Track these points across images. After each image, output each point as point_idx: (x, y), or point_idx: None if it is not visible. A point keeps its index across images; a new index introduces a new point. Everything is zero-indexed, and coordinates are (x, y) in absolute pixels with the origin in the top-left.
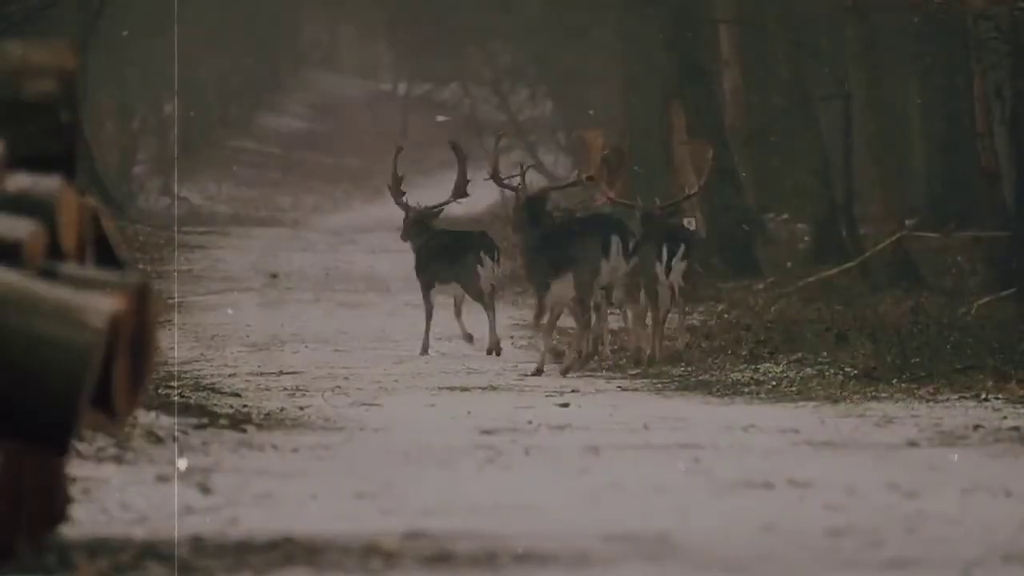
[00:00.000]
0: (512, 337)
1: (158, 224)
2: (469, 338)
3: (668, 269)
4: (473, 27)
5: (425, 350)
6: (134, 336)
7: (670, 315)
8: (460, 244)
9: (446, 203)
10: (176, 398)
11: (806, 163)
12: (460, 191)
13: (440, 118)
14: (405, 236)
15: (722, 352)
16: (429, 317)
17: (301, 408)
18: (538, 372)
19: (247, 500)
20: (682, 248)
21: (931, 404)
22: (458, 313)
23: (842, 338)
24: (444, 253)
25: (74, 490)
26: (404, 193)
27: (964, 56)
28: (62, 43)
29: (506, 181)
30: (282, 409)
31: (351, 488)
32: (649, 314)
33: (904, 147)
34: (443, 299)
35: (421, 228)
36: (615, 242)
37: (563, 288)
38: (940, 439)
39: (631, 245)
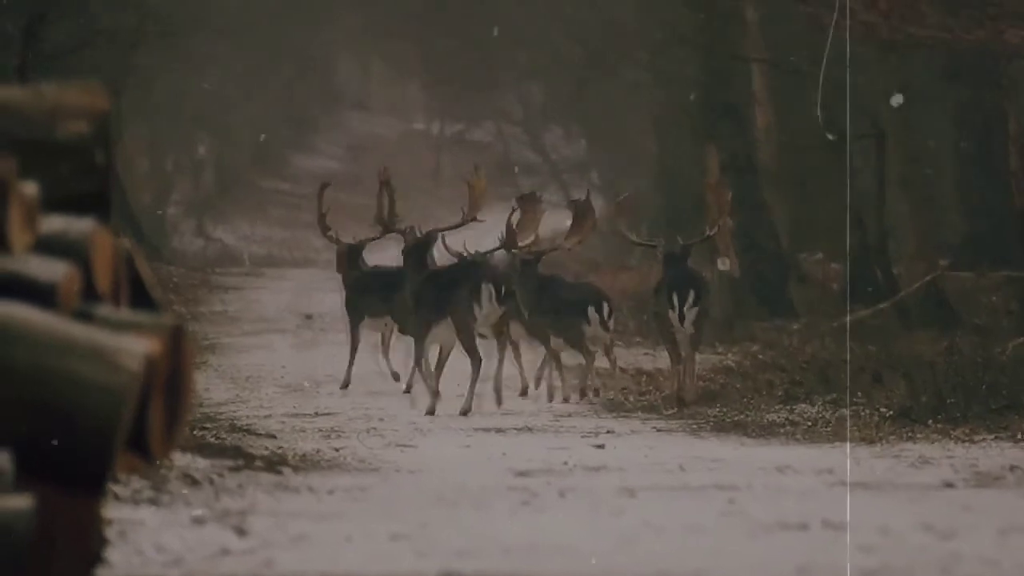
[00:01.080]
0: (546, 378)
1: (192, 265)
2: (396, 376)
3: (681, 317)
4: (506, 66)
5: (346, 384)
6: (169, 378)
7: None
8: (397, 280)
9: (376, 238)
10: (212, 440)
11: (839, 202)
12: (388, 227)
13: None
14: (338, 269)
15: (757, 393)
16: (354, 351)
17: (336, 450)
18: (430, 412)
19: (283, 542)
20: (692, 295)
21: (967, 445)
22: (385, 351)
23: (877, 378)
24: (378, 288)
25: (110, 532)
26: (331, 228)
27: (997, 95)
28: (95, 84)
29: (393, 225)
30: (317, 451)
31: (386, 530)
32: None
33: (937, 186)
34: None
35: (351, 262)
36: (486, 289)
37: (445, 332)
38: (976, 480)
39: (503, 292)
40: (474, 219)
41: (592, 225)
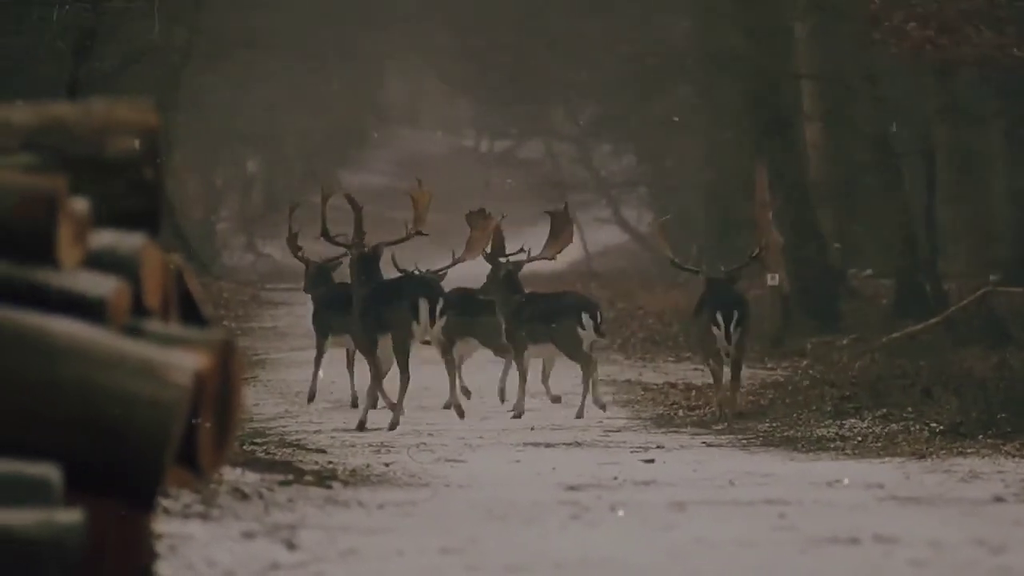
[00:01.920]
0: None
1: (242, 280)
2: (354, 401)
3: (728, 336)
4: (555, 83)
5: (311, 398)
6: (219, 393)
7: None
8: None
9: (340, 256)
10: (262, 454)
11: (889, 219)
12: (330, 240)
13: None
14: (306, 288)
15: (807, 407)
16: (317, 365)
17: (386, 464)
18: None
19: (333, 556)
20: (736, 315)
21: (1017, 459)
22: (350, 368)
23: (927, 393)
24: (340, 305)
25: (160, 546)
26: (301, 248)
27: None
28: (145, 100)
29: (338, 238)
30: (367, 465)
31: (436, 544)
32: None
33: (988, 202)
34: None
35: (319, 280)
36: (423, 305)
37: (387, 347)
38: None
39: (439, 307)
40: (419, 233)
41: (571, 236)
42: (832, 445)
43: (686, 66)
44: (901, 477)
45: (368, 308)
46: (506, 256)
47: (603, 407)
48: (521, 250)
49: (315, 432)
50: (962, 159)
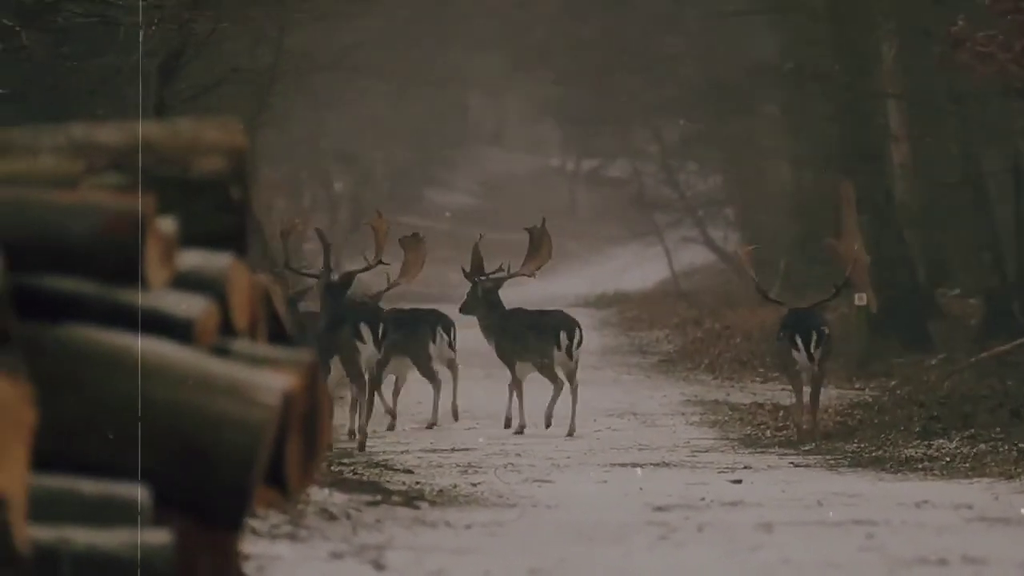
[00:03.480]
0: (684, 413)
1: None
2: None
3: (810, 357)
4: (640, 102)
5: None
6: (306, 413)
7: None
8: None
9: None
10: (349, 475)
11: (977, 238)
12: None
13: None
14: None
15: (895, 428)
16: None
17: (474, 485)
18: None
19: None
20: (814, 337)
21: None
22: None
23: (1016, 414)
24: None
25: (248, 568)
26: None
27: None
28: (232, 120)
29: (305, 269)
30: (455, 486)
31: (525, 565)
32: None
33: None
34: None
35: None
36: (364, 330)
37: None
38: None
39: (380, 333)
40: (380, 262)
41: (549, 252)
42: (920, 466)
43: (772, 85)
44: (990, 498)
45: (325, 332)
46: (484, 275)
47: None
48: (499, 268)
49: (402, 452)
50: None
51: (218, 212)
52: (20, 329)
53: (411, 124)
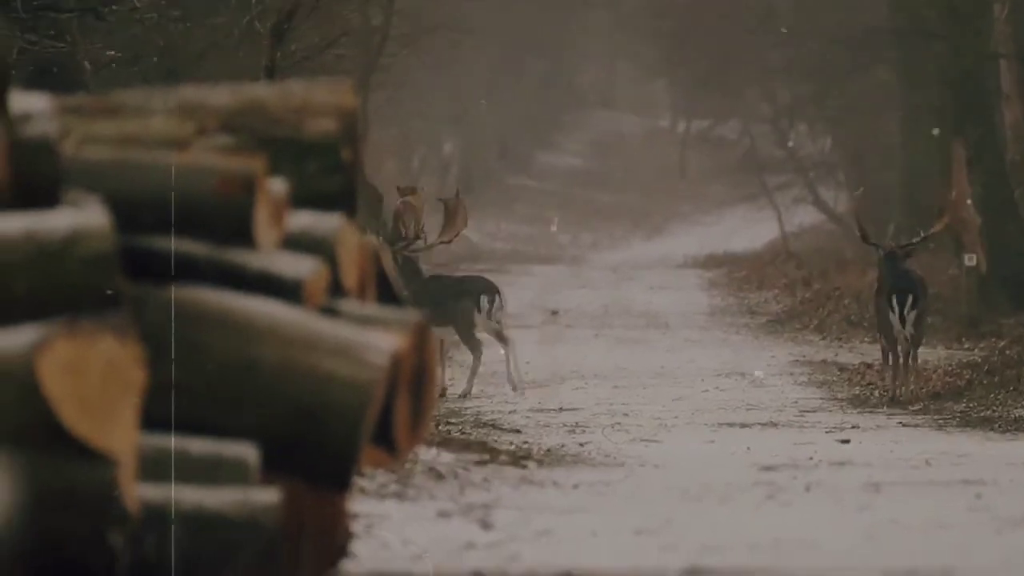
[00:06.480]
0: (792, 373)
1: (437, 261)
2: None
3: (903, 319)
4: (752, 64)
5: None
6: (414, 373)
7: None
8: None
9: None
10: (457, 435)
11: None
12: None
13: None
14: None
15: (1004, 388)
16: None
17: (581, 444)
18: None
19: (528, 536)
20: (910, 299)
21: None
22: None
23: None
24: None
25: (356, 526)
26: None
27: None
28: (343, 82)
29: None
30: (562, 445)
31: (631, 524)
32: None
33: None
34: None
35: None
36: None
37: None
38: None
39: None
40: (418, 237)
41: (464, 221)
42: None
43: (884, 46)
44: None
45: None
46: (403, 242)
47: (514, 387)
48: (418, 237)
49: (510, 413)
50: None
51: (328, 173)
52: (130, 290)
53: (522, 85)
